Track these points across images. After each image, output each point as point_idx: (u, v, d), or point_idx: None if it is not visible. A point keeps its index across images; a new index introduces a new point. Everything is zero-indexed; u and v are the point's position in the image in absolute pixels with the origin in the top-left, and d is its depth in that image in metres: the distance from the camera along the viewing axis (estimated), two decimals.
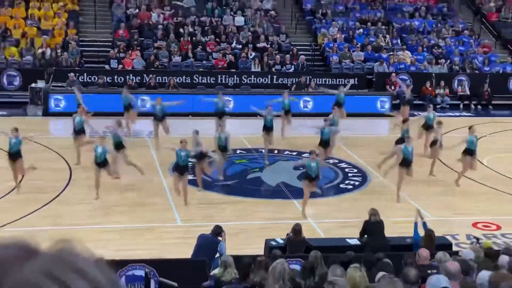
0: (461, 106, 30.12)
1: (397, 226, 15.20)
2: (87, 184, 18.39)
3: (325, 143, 19.81)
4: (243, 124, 23.56)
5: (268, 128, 21.42)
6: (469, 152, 19.12)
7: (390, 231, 14.20)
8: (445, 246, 13.84)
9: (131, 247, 14.83)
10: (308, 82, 28.63)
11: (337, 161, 21.54)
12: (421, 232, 13.99)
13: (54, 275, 0.67)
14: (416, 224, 13.94)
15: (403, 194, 18.20)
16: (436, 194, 18.63)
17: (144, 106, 24.89)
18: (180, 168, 17.06)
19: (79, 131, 20.13)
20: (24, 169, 17.90)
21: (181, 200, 17.71)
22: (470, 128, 20.04)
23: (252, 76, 29.16)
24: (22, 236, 0.73)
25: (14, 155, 17.63)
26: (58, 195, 17.86)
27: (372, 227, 14.13)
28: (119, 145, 18.65)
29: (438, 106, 29.42)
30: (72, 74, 27.14)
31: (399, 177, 18.02)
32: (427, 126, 22.20)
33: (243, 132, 23.03)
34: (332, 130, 19.76)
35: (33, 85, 26.73)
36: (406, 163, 17.78)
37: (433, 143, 20.65)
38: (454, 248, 14.02)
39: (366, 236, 14.11)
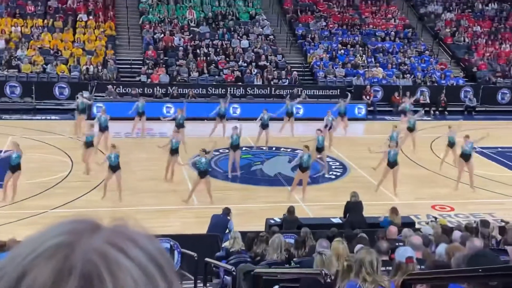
0: (423, 112, 30.09)
1: (372, 208, 15.03)
2: (124, 173, 17.64)
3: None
4: (247, 127, 23.60)
5: (264, 126, 21.72)
6: (464, 156, 18.14)
7: (365, 212, 14.30)
8: (410, 224, 13.91)
9: (158, 224, 14.38)
10: (299, 93, 28.69)
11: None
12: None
13: (114, 243, 0.66)
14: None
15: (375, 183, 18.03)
16: (403, 183, 18.08)
17: (168, 112, 24.92)
18: (201, 173, 16.47)
19: (105, 127, 20.20)
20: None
21: (200, 187, 17.05)
22: (466, 136, 18.83)
23: (255, 88, 29.15)
24: (89, 215, 0.76)
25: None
26: (100, 183, 17.51)
27: (353, 205, 14.22)
28: (175, 150, 17.95)
29: (396, 111, 29.11)
30: (110, 86, 27.19)
31: (382, 174, 17.68)
32: (411, 130, 21.82)
33: (248, 133, 22.96)
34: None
35: (79, 94, 26.65)
36: (390, 164, 17.45)
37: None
38: (417, 226, 14.09)
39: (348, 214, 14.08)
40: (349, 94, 26.00)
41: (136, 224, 0.75)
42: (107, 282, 0.64)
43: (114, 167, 16.17)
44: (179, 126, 20.84)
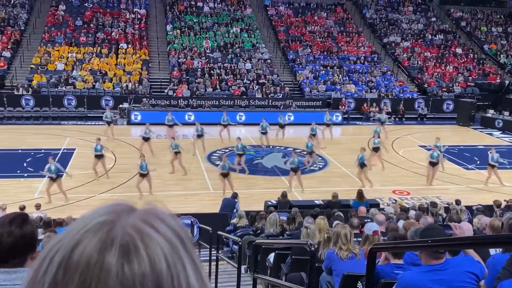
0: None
1: (346, 192, 15.13)
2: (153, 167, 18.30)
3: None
4: (250, 130, 23.76)
5: (263, 132, 21.80)
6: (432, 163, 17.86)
7: (340, 196, 14.04)
8: (375, 205, 13.96)
9: (182, 205, 14.77)
10: (290, 104, 28.77)
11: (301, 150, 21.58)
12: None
13: (146, 220, 0.66)
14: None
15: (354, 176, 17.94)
16: (372, 173, 17.90)
17: (189, 118, 24.77)
18: (224, 174, 16.19)
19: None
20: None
21: (213, 176, 17.36)
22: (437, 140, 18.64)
23: (256, 100, 29.16)
24: (127, 199, 0.73)
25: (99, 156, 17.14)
26: (137, 173, 17.89)
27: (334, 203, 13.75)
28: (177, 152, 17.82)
29: (371, 119, 29.05)
30: (144, 99, 27.25)
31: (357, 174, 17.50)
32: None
33: (251, 135, 23.22)
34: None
35: (120, 106, 26.84)
36: (361, 165, 17.12)
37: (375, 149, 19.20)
38: (381, 206, 14.12)
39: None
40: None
41: (163, 206, 0.73)
42: (141, 250, 0.64)
43: (145, 174, 15.54)
44: (199, 136, 20.45)
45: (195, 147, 20.54)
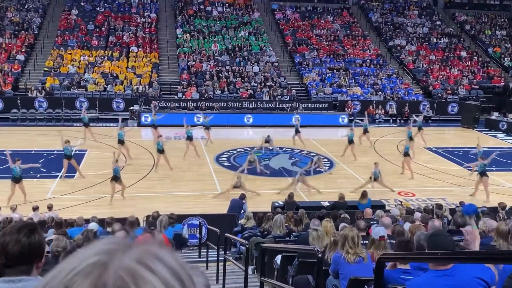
0: (391, 120, 30.06)
1: (352, 194, 15.08)
2: (162, 167, 18.16)
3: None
4: (258, 132, 23.77)
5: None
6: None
7: (346, 197, 13.91)
8: (381, 206, 13.73)
9: (191, 205, 14.75)
10: (297, 106, 28.69)
11: (315, 154, 21.53)
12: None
13: (142, 261, 0.62)
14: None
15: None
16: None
17: (198, 120, 24.79)
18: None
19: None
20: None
21: (222, 177, 17.45)
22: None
23: (264, 102, 29.14)
24: (123, 237, 0.70)
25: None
26: (147, 174, 17.74)
27: (340, 204, 13.66)
28: (161, 150, 17.87)
29: (376, 121, 29.22)
30: (154, 102, 27.16)
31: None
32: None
33: (259, 137, 23.16)
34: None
35: (131, 108, 26.87)
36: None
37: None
38: (387, 208, 13.91)
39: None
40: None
41: (163, 245, 0.67)
42: None
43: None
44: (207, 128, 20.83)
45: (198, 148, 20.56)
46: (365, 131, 22.01)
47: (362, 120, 22.59)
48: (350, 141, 20.01)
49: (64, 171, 16.88)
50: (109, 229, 9.57)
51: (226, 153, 21.06)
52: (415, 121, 23.11)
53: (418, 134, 22.40)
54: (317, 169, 18.55)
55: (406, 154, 18.41)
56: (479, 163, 16.32)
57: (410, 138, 20.27)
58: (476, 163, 17.01)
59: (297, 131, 21.66)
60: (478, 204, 13.86)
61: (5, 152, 15.67)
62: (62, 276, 0.60)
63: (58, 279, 0.60)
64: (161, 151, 17.89)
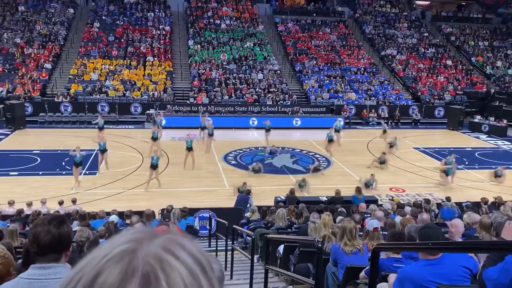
0: (383, 123, 29.96)
1: (347, 190, 14.98)
2: (176, 165, 18.26)
3: None
4: (262, 133, 23.72)
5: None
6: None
7: (342, 193, 13.92)
8: (374, 201, 13.77)
9: (201, 200, 14.77)
10: (297, 110, 28.66)
11: (313, 153, 21.61)
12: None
13: (167, 248, 0.62)
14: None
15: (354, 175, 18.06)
16: (370, 173, 17.51)
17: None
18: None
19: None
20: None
21: (229, 174, 17.47)
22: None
23: (267, 107, 29.13)
24: (149, 227, 0.68)
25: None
26: (161, 171, 17.52)
27: (336, 199, 13.72)
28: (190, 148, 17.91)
29: (369, 123, 29.15)
30: (168, 106, 27.23)
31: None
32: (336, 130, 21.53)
33: (262, 138, 23.14)
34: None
35: (147, 111, 26.89)
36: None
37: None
38: (379, 202, 13.87)
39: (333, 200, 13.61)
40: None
41: (183, 234, 0.67)
42: (161, 280, 0.58)
43: (155, 166, 15.71)
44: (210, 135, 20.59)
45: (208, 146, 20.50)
46: (384, 131, 22.67)
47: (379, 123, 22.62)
48: (330, 140, 20.21)
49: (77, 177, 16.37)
50: (128, 221, 9.60)
51: (233, 152, 21.05)
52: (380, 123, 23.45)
53: (383, 136, 22.65)
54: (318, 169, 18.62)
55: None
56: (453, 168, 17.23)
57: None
58: (452, 166, 17.34)
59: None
60: (462, 199, 13.85)
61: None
62: (95, 263, 0.60)
63: (91, 265, 0.60)
64: (189, 148, 17.82)
